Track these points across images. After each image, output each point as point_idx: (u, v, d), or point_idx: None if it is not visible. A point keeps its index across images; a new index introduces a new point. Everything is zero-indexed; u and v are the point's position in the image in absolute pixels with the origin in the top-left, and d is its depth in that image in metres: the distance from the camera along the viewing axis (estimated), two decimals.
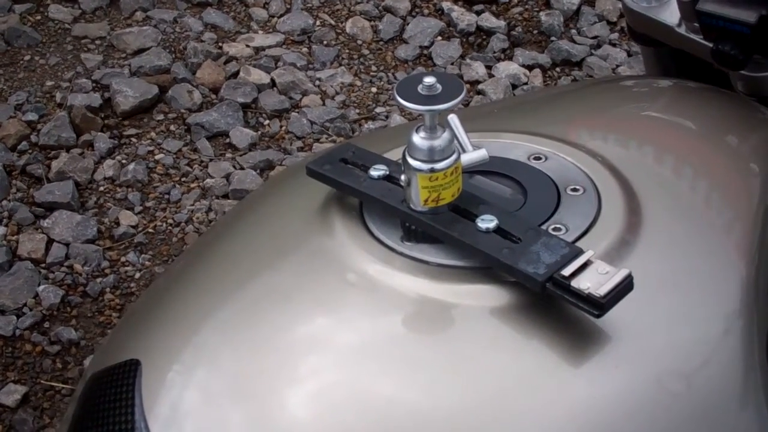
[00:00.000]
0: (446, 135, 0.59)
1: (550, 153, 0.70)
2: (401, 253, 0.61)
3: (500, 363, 0.56)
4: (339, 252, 0.62)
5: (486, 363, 0.56)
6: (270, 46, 2.49)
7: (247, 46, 2.47)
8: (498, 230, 0.59)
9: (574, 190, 0.65)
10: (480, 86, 2.40)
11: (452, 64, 2.49)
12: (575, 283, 0.54)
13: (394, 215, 0.63)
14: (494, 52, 2.53)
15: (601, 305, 0.54)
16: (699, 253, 0.65)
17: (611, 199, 0.64)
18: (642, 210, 0.64)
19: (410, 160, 0.60)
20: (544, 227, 0.62)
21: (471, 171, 0.66)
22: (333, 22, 2.61)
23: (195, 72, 2.36)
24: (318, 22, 2.60)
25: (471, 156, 0.63)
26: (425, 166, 0.59)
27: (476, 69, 2.45)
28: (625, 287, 0.54)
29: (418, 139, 0.59)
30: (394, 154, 0.70)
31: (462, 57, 2.51)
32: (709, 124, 0.84)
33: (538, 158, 0.69)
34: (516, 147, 0.71)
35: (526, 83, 2.42)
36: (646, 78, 1.01)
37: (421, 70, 2.46)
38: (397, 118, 2.30)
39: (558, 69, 2.51)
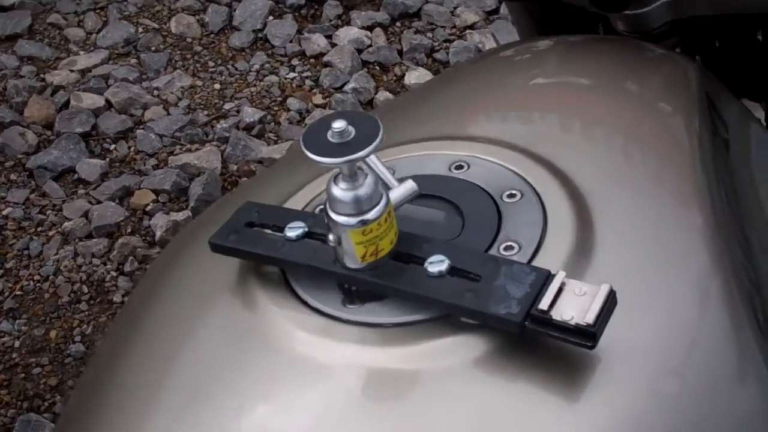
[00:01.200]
0: (369, 180, 0.50)
1: (470, 158, 0.62)
2: (347, 321, 0.52)
3: (495, 424, 0.49)
4: (273, 334, 0.53)
5: (478, 429, 0.48)
6: (95, 66, 2.31)
7: (71, 71, 2.29)
8: (452, 270, 0.51)
9: (511, 195, 0.58)
10: (325, 58, 2.31)
11: (291, 41, 2.38)
12: (557, 315, 0.47)
13: (327, 278, 0.54)
14: (330, 21, 2.44)
15: (592, 335, 0.47)
16: (656, 227, 0.59)
17: (551, 196, 0.58)
18: (585, 197, 0.58)
19: (335, 216, 0.51)
20: (494, 250, 0.54)
21: None
22: (156, 25, 2.45)
23: (22, 111, 2.17)
24: (140, 29, 2.43)
25: (399, 192, 0.54)
26: (354, 221, 0.50)
27: (316, 41, 2.36)
28: (610, 306, 0.48)
29: (339, 191, 0.50)
30: (298, 201, 0.61)
31: (299, 32, 2.41)
32: (608, 77, 0.78)
33: (460, 167, 0.61)
34: (432, 159, 0.63)
35: (370, 45, 2.35)
36: (526, 44, 0.95)
37: (260, 55, 2.35)
38: (248, 110, 2.18)
39: (398, 24, 2.44)
